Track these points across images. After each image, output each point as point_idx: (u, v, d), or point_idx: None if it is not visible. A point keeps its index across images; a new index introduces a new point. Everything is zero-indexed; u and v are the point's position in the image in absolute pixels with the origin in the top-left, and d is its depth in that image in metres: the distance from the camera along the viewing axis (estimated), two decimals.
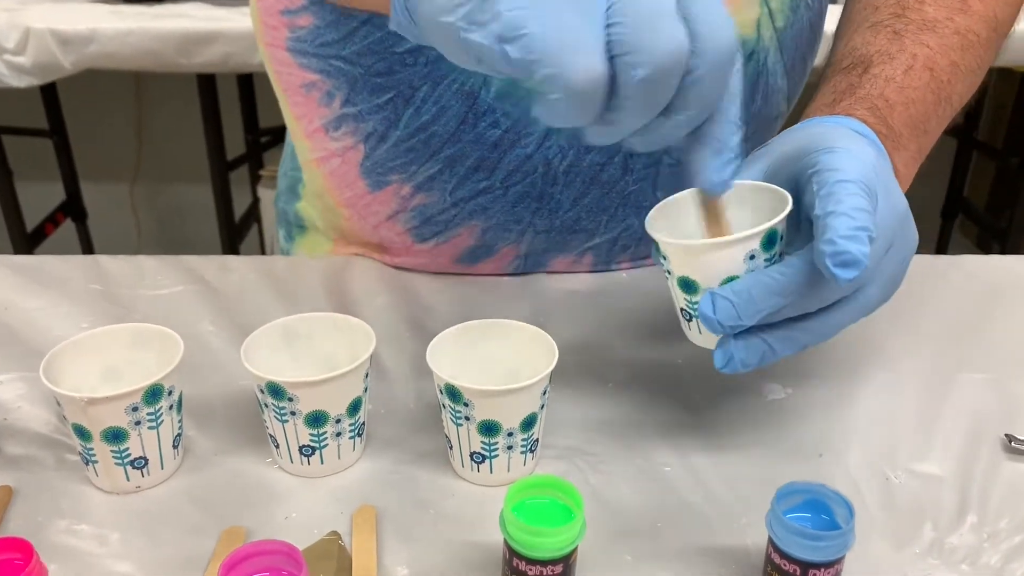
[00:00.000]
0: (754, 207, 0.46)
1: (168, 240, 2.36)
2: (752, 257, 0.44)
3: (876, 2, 0.59)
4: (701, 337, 0.47)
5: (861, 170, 0.43)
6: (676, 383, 0.60)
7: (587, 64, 0.35)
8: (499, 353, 0.53)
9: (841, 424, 0.56)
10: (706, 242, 0.44)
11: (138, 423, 0.48)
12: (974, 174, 2.22)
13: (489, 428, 0.48)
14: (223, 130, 1.80)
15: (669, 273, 0.47)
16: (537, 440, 0.51)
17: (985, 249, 2.24)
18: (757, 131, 0.67)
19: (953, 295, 0.70)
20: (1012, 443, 0.54)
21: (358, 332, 0.52)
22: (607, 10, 0.36)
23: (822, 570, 0.41)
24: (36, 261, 0.73)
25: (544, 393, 0.49)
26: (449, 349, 0.51)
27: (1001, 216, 2.19)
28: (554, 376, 0.49)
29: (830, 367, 0.61)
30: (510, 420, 0.48)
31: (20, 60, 1.47)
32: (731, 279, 0.44)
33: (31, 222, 1.87)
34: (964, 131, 1.97)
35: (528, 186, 0.64)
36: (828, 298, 0.44)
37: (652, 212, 0.47)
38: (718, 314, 0.43)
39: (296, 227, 0.81)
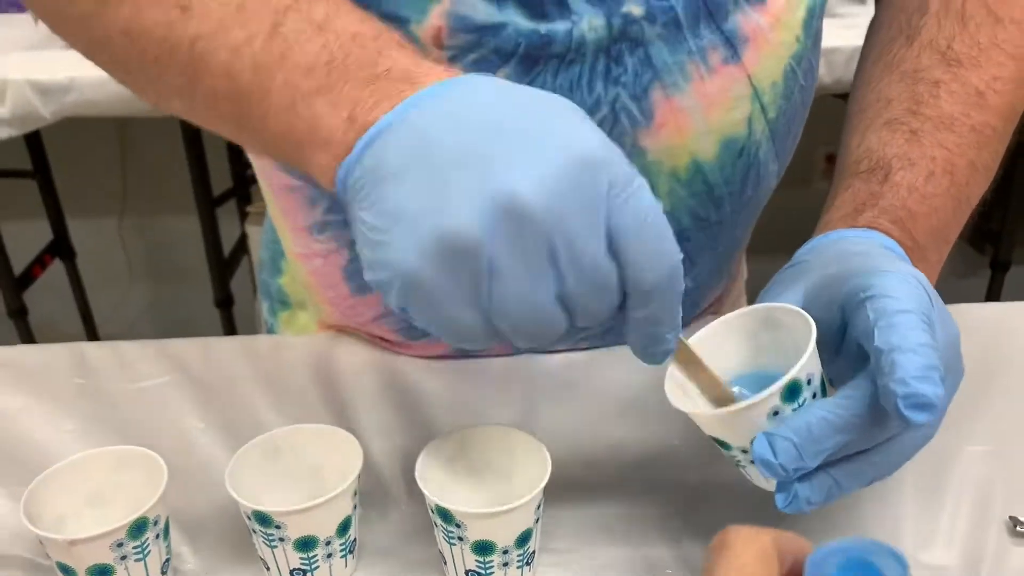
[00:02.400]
0: (790, 329, 0.45)
1: (158, 274, 2.34)
2: (776, 413, 0.42)
3: (889, 94, 0.57)
4: (761, 479, 0.46)
5: (918, 298, 0.41)
6: (675, 468, 0.59)
7: (472, 343, 0.38)
8: (491, 460, 0.52)
9: (841, 507, 0.55)
10: (717, 413, 0.43)
11: (124, 557, 0.46)
12: None
13: (483, 548, 0.47)
14: (208, 163, 1.78)
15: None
16: (534, 552, 0.49)
17: (979, 248, 2.24)
18: (748, 217, 0.65)
19: None
20: (1017, 527, 0.53)
21: (345, 444, 0.51)
22: (490, 296, 0.36)
23: None
24: (16, 353, 0.72)
25: (539, 507, 0.48)
26: (439, 460, 0.50)
27: (992, 218, 2.19)
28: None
29: None
30: (505, 539, 0.47)
31: None
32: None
33: (18, 265, 1.85)
34: None
35: None
36: (892, 431, 0.43)
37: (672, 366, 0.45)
38: (779, 457, 0.41)
39: (279, 303, 0.80)
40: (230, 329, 1.94)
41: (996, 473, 0.57)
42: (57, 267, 2.02)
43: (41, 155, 1.90)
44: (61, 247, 2.02)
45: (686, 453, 0.59)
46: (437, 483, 0.49)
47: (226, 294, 1.89)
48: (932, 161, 0.53)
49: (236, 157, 1.95)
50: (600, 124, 0.55)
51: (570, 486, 0.57)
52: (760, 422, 0.42)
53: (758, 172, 0.62)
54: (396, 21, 0.53)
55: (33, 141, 1.84)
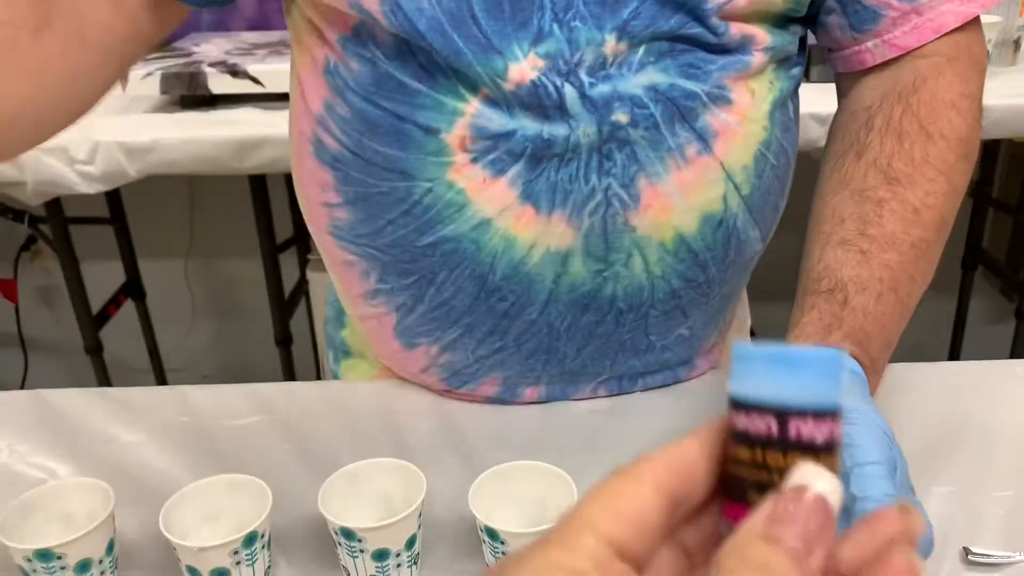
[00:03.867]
0: None
1: (221, 314, 2.49)
2: None
3: (842, 212, 0.67)
4: None
5: (884, 448, 0.51)
6: None
7: None
8: (528, 490, 0.63)
9: None
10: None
11: (238, 563, 0.59)
12: (992, 230, 2.30)
13: None
14: (272, 210, 1.93)
15: None
16: None
17: (1008, 297, 2.31)
18: (735, 275, 0.76)
19: (928, 404, 0.79)
20: (968, 556, 0.63)
21: (412, 475, 0.63)
22: None
23: (810, 421, 0.28)
24: (130, 394, 0.85)
25: None
26: (487, 490, 0.62)
27: (1021, 269, 2.26)
28: None
29: None
30: None
31: (90, 169, 1.61)
32: None
33: (95, 304, 2.01)
34: (979, 190, 2.05)
35: (536, 343, 0.74)
36: None
37: None
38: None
39: (342, 352, 0.92)
40: (288, 366, 2.08)
41: (956, 511, 0.68)
42: (128, 306, 2.18)
43: (118, 204, 2.07)
44: (133, 288, 2.18)
45: None
46: (485, 508, 0.60)
47: (286, 334, 2.03)
48: (880, 282, 0.63)
49: (297, 208, 2.09)
50: (595, 208, 0.67)
51: None
52: None
53: (738, 238, 0.73)
54: (430, 132, 0.66)
55: (111, 190, 2.00)
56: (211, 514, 0.63)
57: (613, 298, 0.72)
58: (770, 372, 0.29)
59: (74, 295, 1.93)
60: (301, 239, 2.12)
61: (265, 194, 1.87)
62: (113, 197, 2.04)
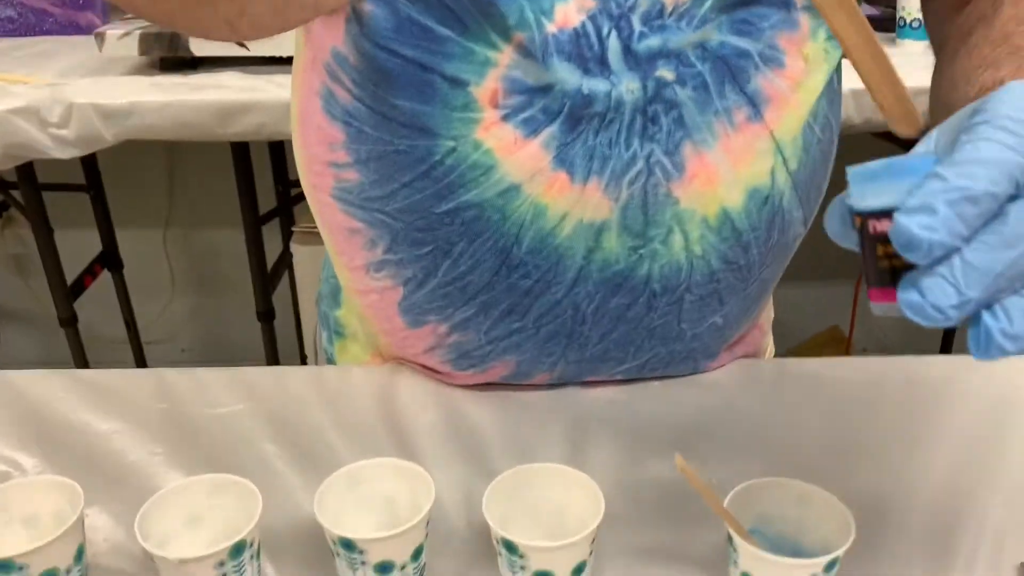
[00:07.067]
0: (819, 513, 0.55)
1: (200, 286, 2.41)
2: None
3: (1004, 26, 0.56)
4: None
5: None
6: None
7: None
8: (548, 495, 0.57)
9: (852, 555, 0.60)
10: (775, 559, 0.51)
11: (224, 574, 0.52)
12: None
13: None
14: (255, 179, 1.85)
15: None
16: None
17: None
18: (776, 261, 0.71)
19: (972, 402, 0.74)
20: None
21: (418, 478, 0.57)
22: None
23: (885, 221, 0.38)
24: (100, 376, 0.78)
25: (593, 541, 0.54)
26: (501, 496, 0.56)
27: None
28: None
29: (839, 478, 0.65)
30: (563, 569, 0.52)
31: (63, 133, 1.52)
32: None
33: (70, 274, 1.93)
34: None
35: (559, 326, 0.68)
36: None
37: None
38: (930, 295, 0.35)
39: (336, 333, 0.86)
40: (271, 341, 2.01)
41: (1010, 520, 0.62)
42: (104, 277, 2.10)
43: (94, 170, 1.98)
44: (110, 258, 2.10)
45: (725, 487, 0.65)
46: (499, 516, 0.54)
47: (268, 308, 1.96)
48: None
49: (281, 178, 2.02)
50: (636, 176, 0.62)
51: (617, 518, 0.62)
52: None
53: (783, 219, 0.68)
54: (458, 84, 0.59)
55: (87, 156, 1.91)
56: (193, 518, 0.57)
57: (648, 279, 0.66)
58: (882, 182, 0.38)
59: (48, 265, 1.85)
60: (285, 210, 2.04)
61: (248, 162, 1.78)
62: (89, 163, 1.96)
